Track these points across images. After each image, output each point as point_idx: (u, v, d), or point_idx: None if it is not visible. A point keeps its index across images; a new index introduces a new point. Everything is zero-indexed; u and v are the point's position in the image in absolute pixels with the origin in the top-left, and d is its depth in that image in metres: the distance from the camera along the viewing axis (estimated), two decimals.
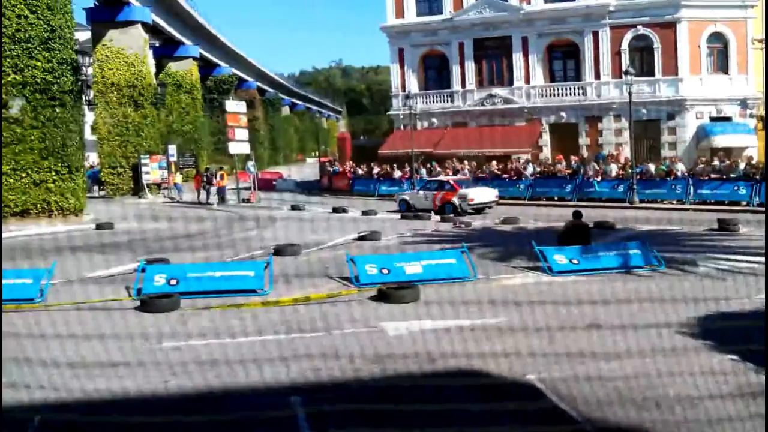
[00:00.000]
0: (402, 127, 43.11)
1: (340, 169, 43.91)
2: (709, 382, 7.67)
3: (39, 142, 25.52)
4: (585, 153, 37.76)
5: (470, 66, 41.91)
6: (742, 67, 37.28)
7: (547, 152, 39.88)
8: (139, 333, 10.52)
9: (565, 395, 7.47)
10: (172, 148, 41.70)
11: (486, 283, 13.54)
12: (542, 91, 40.54)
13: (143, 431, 7.10)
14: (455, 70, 42.32)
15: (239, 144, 36.60)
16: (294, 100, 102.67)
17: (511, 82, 41.05)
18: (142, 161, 39.74)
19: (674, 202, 28.72)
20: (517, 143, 39.19)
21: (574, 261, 14.34)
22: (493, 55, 41.78)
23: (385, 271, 13.54)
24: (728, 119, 37.14)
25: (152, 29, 45.11)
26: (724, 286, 12.60)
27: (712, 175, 28.58)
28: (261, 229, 24.16)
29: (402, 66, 43.78)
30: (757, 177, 26.81)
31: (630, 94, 29.91)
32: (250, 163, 38.41)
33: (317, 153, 76.45)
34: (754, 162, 29.42)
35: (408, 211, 28.38)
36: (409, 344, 9.62)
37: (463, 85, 42.16)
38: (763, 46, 35.87)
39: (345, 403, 7.56)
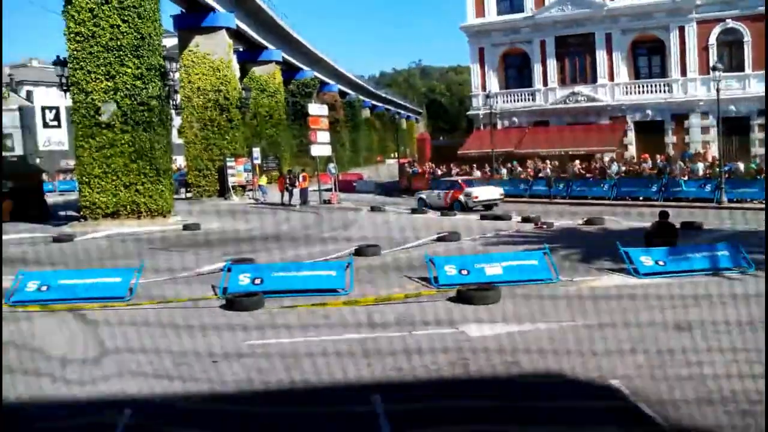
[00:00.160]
0: (482, 127, 42.84)
1: (419, 170, 43.95)
2: None
3: (129, 146, 26.53)
4: (671, 152, 36.72)
5: (552, 64, 41.33)
6: None
7: (632, 151, 38.96)
8: (224, 331, 10.81)
9: (648, 397, 7.33)
10: (257, 151, 42.60)
11: (569, 285, 13.33)
12: (626, 88, 39.63)
13: (229, 421, 7.32)
14: (537, 69, 41.80)
15: (321, 146, 37.07)
16: (374, 102, 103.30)
17: (594, 80, 40.27)
18: (228, 164, 40.76)
19: (764, 201, 27.59)
20: (601, 142, 38.43)
21: (661, 263, 13.97)
22: (576, 52, 41.07)
23: (465, 272, 13.50)
24: None
25: (236, 34, 46.18)
26: None
27: None
28: (342, 230, 24.43)
29: (482, 65, 43.52)
30: None
31: (718, 90, 28.94)
32: (331, 165, 38.86)
33: (396, 154, 76.67)
34: None
35: (426, 207, 30.82)
36: (490, 346, 9.57)
37: (545, 83, 41.60)
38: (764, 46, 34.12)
39: (426, 403, 7.60)
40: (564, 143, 38.75)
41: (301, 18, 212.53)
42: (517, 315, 11.18)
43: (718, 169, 29.06)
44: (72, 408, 7.79)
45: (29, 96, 71.22)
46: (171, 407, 7.78)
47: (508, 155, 39.43)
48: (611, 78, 39.76)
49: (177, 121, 47.67)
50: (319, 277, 13.56)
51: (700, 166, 30.74)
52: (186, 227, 25.61)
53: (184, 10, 42.84)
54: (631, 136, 39.57)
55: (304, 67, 66.22)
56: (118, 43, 26.39)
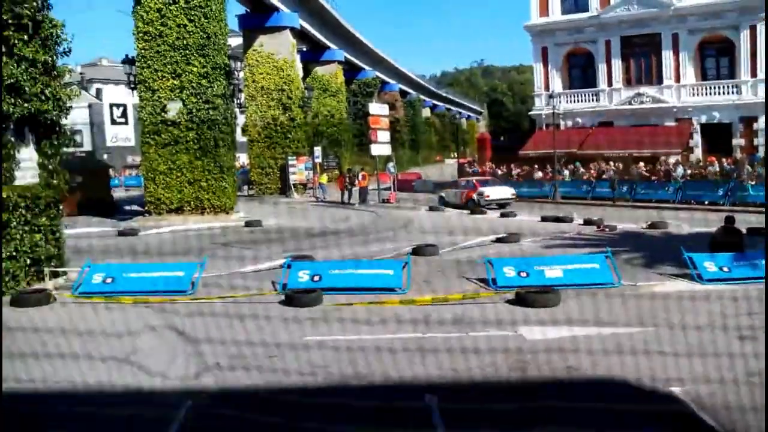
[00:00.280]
0: (544, 127, 42.40)
1: (479, 170, 43.70)
2: None
3: (194, 143, 27.08)
4: (739, 155, 35.65)
5: (617, 64, 40.65)
6: None
7: (697, 154, 38.02)
8: (283, 326, 10.95)
9: (709, 406, 7.15)
10: (318, 150, 43.00)
11: (631, 289, 13.06)
12: (693, 89, 38.70)
13: (286, 413, 7.40)
14: (601, 69, 41.16)
15: (381, 146, 37.20)
16: (435, 102, 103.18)
17: (660, 81, 39.44)
18: (289, 162, 41.26)
19: (765, 202, 26.56)
20: (666, 144, 37.58)
21: (725, 269, 13.58)
22: (641, 52, 40.30)
23: (524, 275, 13.37)
24: None
25: (300, 34, 46.66)
26: None
27: None
28: (400, 229, 24.47)
29: (545, 65, 43.09)
30: None
31: None
32: (391, 165, 38.98)
33: (456, 154, 76.38)
34: None
35: (445, 206, 32.67)
36: (548, 349, 9.47)
37: (610, 83, 40.93)
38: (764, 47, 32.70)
39: (481, 404, 7.57)
40: (628, 145, 38.02)
41: (363, 18, 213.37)
42: (576, 319, 11.00)
43: None
44: (135, 396, 8.00)
45: (99, 94, 73.32)
46: (229, 399, 7.92)
47: (571, 156, 38.91)
48: (677, 79, 38.90)
49: (241, 119, 48.46)
50: (376, 276, 13.60)
51: None
52: (248, 224, 26.02)
53: (249, 10, 43.50)
54: (697, 138, 38.63)
55: (366, 67, 66.51)
56: (185, 42, 26.97)
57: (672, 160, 35.74)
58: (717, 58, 39.03)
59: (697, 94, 38.59)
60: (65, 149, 15.37)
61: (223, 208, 27.97)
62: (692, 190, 31.02)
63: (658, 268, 15.05)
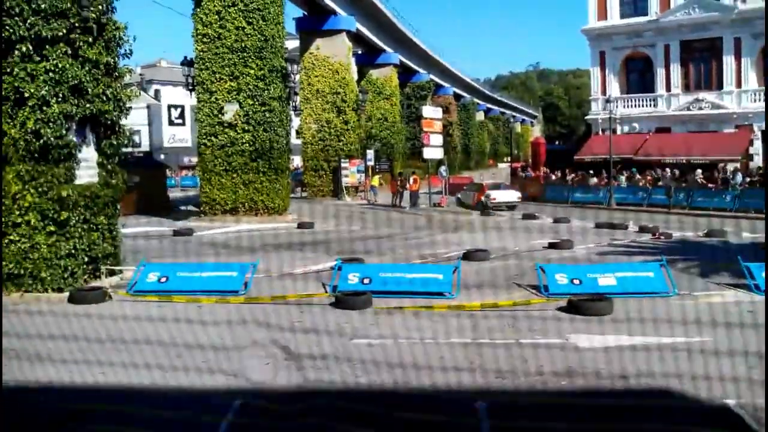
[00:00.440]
0: (600, 132, 41.82)
1: (533, 175, 43.29)
2: None
3: (249, 145, 27.45)
4: None
5: (676, 69, 39.89)
6: None
7: (758, 161, 36.98)
8: (332, 328, 11.01)
9: (764, 419, 6.93)
10: (370, 153, 43.10)
11: (686, 299, 12.77)
12: (755, 95, 37.70)
13: (331, 416, 7.43)
14: (660, 73, 40.44)
15: (433, 149, 37.13)
16: (489, 105, 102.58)
17: (720, 86, 38.54)
18: (342, 165, 41.48)
19: (765, 204, 25.59)
20: (725, 151, 36.67)
21: None
22: (701, 57, 39.46)
23: (577, 282, 13.18)
24: None
25: (356, 37, 46.86)
26: None
27: None
28: (450, 233, 24.38)
29: (603, 69, 42.53)
30: None
31: None
32: (443, 168, 38.86)
33: (509, 158, 75.82)
34: None
35: (460, 206, 35.15)
36: (601, 359, 9.31)
37: (668, 88, 40.17)
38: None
39: (530, 414, 7.48)
40: (686, 151, 37.21)
41: (418, 21, 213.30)
42: (629, 328, 10.81)
43: None
44: (182, 397, 8.14)
45: (157, 95, 74.81)
46: (277, 399, 7.99)
47: (627, 162, 38.28)
48: (738, 84, 37.96)
49: (295, 122, 48.91)
50: (426, 280, 13.58)
51: None
52: (300, 225, 26.24)
53: (306, 13, 43.85)
54: (758, 145, 37.60)
55: (420, 70, 66.44)
56: (243, 44, 27.37)
57: (731, 167, 34.84)
58: None
59: (759, 100, 37.54)
60: (124, 149, 15.71)
61: (277, 210, 28.27)
62: (751, 199, 30.11)
63: (714, 278, 14.70)
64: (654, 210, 31.94)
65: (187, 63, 29.68)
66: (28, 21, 12.96)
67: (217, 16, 27.51)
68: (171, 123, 73.30)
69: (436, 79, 72.59)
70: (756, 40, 37.31)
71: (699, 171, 34.49)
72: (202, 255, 18.53)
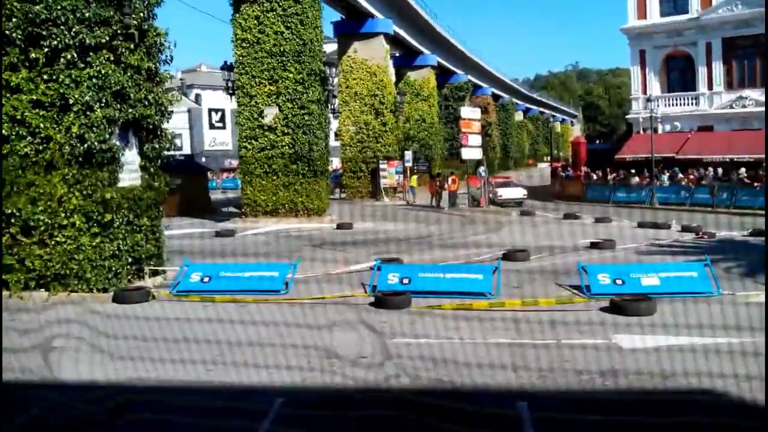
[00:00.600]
0: (641, 131, 41.29)
1: (573, 175, 42.89)
2: None
3: (289, 148, 27.70)
4: None
5: (718, 66, 39.20)
6: None
7: None
8: (372, 328, 11.04)
9: None
10: (408, 154, 43.11)
11: (730, 299, 12.55)
12: None
13: (375, 415, 7.46)
14: (701, 71, 39.78)
15: (472, 150, 37.02)
16: (527, 105, 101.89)
17: (764, 84, 37.70)
18: (380, 166, 41.55)
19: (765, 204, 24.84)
20: None
21: None
22: (744, 54, 38.70)
23: (619, 282, 13.03)
24: None
25: (393, 40, 46.89)
26: None
27: None
28: (490, 234, 24.27)
29: (643, 68, 41.99)
30: None
31: None
32: (481, 168, 38.66)
33: (549, 158, 75.19)
34: None
35: (473, 202, 35.68)
36: (643, 360, 9.19)
37: (710, 87, 39.49)
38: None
39: (572, 413, 7.42)
40: (729, 150, 36.52)
41: (455, 21, 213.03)
42: (673, 328, 10.64)
43: None
44: (224, 393, 8.24)
45: (198, 99, 75.78)
46: (317, 398, 8.04)
47: (669, 161, 37.72)
48: None
49: (334, 124, 49.14)
50: (465, 280, 13.52)
51: None
52: (339, 226, 26.37)
53: (344, 17, 44.05)
54: None
55: (458, 71, 66.24)
56: (282, 48, 27.62)
57: None
58: None
59: None
60: (166, 152, 15.96)
61: (316, 211, 28.45)
62: None
63: (758, 278, 14.38)
64: (697, 209, 31.45)
65: (227, 67, 30.01)
66: (73, 29, 13.25)
67: (255, 21, 27.79)
68: (212, 126, 74.30)
69: (474, 80, 72.30)
70: None
71: (743, 169, 33.88)
72: (244, 255, 18.72)
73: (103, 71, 13.48)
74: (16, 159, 13.31)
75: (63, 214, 13.41)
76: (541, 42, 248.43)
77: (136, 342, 10.43)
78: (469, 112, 38.71)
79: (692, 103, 40.57)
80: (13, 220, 13.35)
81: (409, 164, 42.90)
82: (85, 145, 13.35)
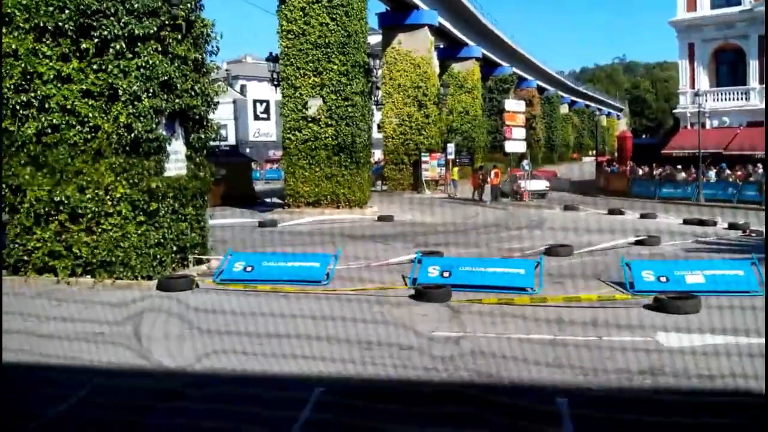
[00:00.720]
0: (689, 126, 40.50)
1: (619, 169, 42.29)
2: None
3: (332, 140, 27.83)
4: None
5: None
6: None
7: None
8: (412, 321, 11.06)
9: None
10: (451, 147, 42.96)
11: None
12: None
13: (412, 405, 7.48)
14: (752, 66, 38.82)
15: (515, 143, 36.76)
16: (573, 98, 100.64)
17: (764, 84, 36.67)
18: (423, 158, 41.48)
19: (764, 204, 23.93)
20: None
21: None
22: None
23: (664, 279, 12.85)
24: None
25: (438, 31, 46.66)
26: None
27: None
28: (532, 228, 24.09)
29: (691, 61, 41.14)
30: None
31: None
32: (525, 162, 38.36)
33: (594, 152, 74.23)
34: None
35: (502, 195, 35.80)
36: (687, 359, 9.05)
37: (762, 81, 38.51)
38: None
39: (612, 411, 7.36)
40: None
41: (499, 12, 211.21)
42: (717, 327, 10.45)
43: None
44: (263, 382, 8.35)
45: (243, 90, 76.41)
46: (356, 389, 8.10)
47: (716, 157, 36.96)
48: None
49: (377, 116, 49.18)
50: (507, 275, 13.45)
51: None
52: (381, 218, 26.43)
53: (389, 8, 43.97)
54: None
55: (503, 63, 65.71)
56: (326, 40, 27.73)
57: None
58: None
59: None
60: (211, 143, 16.15)
61: (358, 203, 28.57)
62: None
63: None
64: (745, 206, 30.77)
65: (272, 59, 30.24)
66: (122, 20, 13.47)
67: (301, 13, 27.94)
68: (256, 117, 74.97)
69: (519, 72, 71.67)
70: None
71: None
72: (286, 245, 18.86)
73: (150, 62, 13.69)
74: (65, 147, 13.62)
75: (110, 202, 13.67)
76: (588, 34, 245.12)
77: (180, 329, 10.63)
78: (513, 104, 38.41)
79: (742, 98, 39.66)
80: (62, 208, 13.66)
81: (451, 157, 42.75)
82: (133, 135, 13.58)
